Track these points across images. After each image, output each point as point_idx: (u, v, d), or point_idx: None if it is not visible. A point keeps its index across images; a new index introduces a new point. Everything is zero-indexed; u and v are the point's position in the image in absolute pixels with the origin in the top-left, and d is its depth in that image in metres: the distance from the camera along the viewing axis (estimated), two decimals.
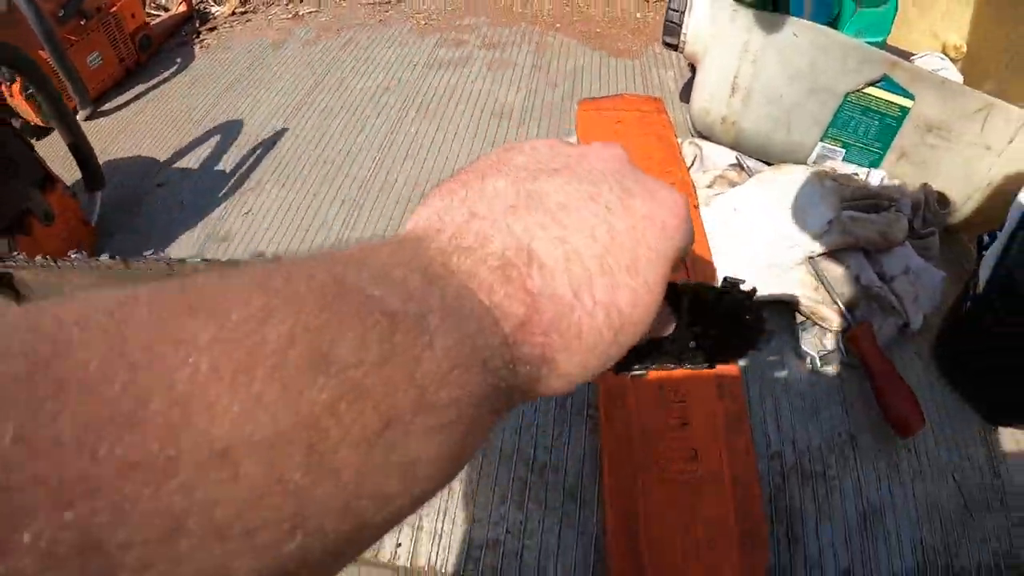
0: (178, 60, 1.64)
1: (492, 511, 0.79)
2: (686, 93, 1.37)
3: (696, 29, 1.13)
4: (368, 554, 0.74)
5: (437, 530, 0.78)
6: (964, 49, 1.28)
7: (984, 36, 1.22)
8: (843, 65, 1.04)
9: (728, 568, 0.72)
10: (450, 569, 0.75)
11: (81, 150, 1.13)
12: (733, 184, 1.13)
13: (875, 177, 1.09)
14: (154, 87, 1.57)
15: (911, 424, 0.83)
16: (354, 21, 1.70)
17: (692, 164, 1.19)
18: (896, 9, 1.12)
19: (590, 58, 1.48)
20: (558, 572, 0.75)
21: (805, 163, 1.15)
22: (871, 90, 1.05)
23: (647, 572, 0.71)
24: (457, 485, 0.80)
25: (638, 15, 1.62)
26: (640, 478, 0.77)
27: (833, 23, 1.09)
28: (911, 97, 1.03)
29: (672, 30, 1.15)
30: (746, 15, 1.07)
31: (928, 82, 1.01)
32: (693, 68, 1.40)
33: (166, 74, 1.60)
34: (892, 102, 1.05)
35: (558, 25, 1.61)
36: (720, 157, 1.17)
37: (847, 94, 1.06)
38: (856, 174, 1.09)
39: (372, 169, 1.25)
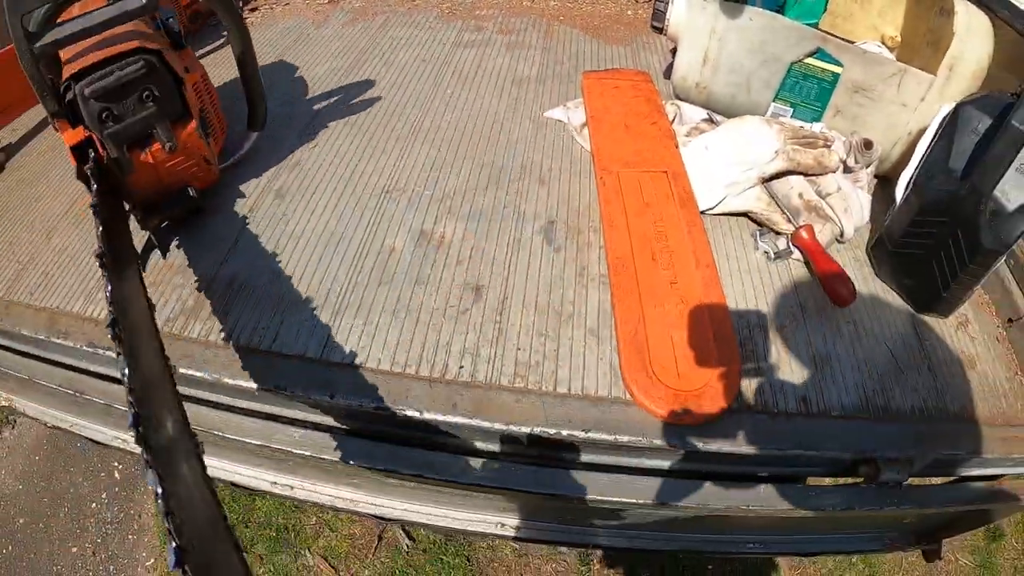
0: (223, 34, 1.81)
1: (532, 342, 1.10)
2: (669, 71, 1.73)
3: (676, 16, 1.50)
4: (436, 374, 1.06)
5: (490, 356, 1.09)
6: (898, 39, 1.61)
7: (912, 27, 1.55)
8: (787, 41, 1.40)
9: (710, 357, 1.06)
10: (503, 383, 1.06)
11: (255, 91, 1.34)
12: (703, 132, 1.49)
13: (815, 128, 1.45)
14: (204, 56, 1.82)
15: (845, 296, 1.15)
16: (385, 7, 2.03)
17: (673, 120, 1.54)
18: (826, 1, 1.50)
19: (590, 44, 1.85)
20: (584, 385, 1.06)
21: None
22: (809, 60, 1.40)
23: (652, 367, 1.04)
24: (505, 326, 1.12)
25: (629, 12, 2.00)
26: (643, 313, 1.11)
27: (779, 10, 1.46)
28: (840, 64, 1.38)
29: (659, 16, 1.52)
30: (713, 5, 1.44)
31: (852, 52, 1.36)
32: (674, 50, 1.77)
33: (214, 46, 1.86)
34: (826, 69, 1.40)
35: (562, 18, 1.98)
36: (695, 114, 1.54)
37: (791, 63, 1.42)
38: (801, 126, 1.45)
39: (419, 117, 1.57)
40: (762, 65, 1.45)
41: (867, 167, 1.39)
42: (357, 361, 1.06)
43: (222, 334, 1.08)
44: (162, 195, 1.21)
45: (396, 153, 1.46)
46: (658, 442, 0.96)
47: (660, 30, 1.55)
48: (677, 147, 1.44)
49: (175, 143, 1.14)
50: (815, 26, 1.48)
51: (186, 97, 1.17)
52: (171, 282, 1.19)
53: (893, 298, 1.22)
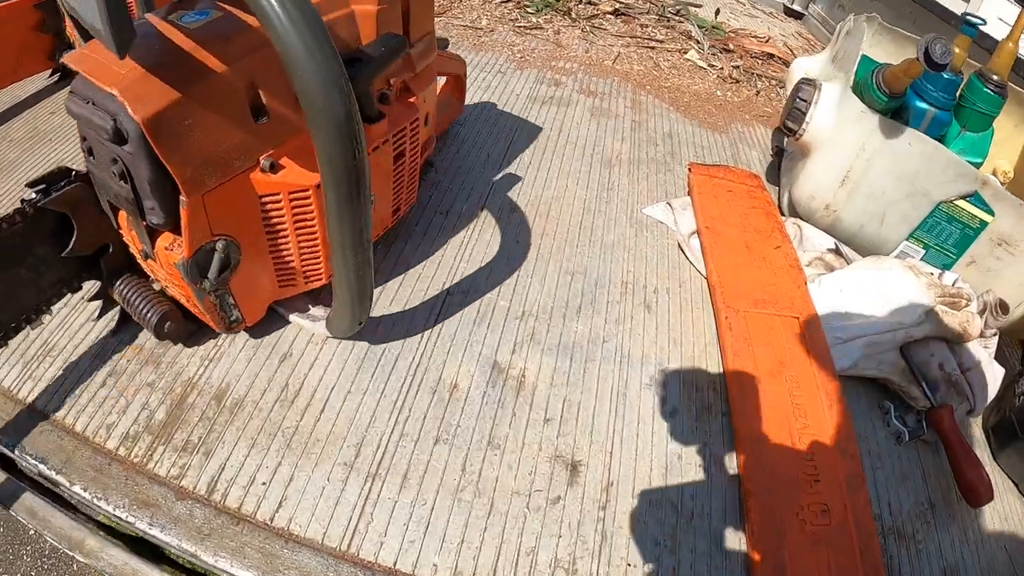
0: None
1: (645, 553, 0.82)
2: (771, 174, 1.47)
3: (821, 121, 1.23)
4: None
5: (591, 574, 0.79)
6: (1011, 175, 1.44)
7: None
8: (943, 176, 1.17)
9: None
10: None
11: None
12: (830, 266, 1.22)
13: (948, 278, 1.21)
14: None
15: (983, 497, 0.95)
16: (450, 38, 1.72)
17: (792, 244, 1.27)
18: (992, 136, 1.27)
19: (683, 125, 1.58)
20: None
21: (882, 256, 1.25)
22: (960, 202, 1.18)
23: None
24: (610, 527, 0.84)
25: (718, 93, 1.74)
26: (783, 525, 0.85)
27: (940, 140, 1.21)
28: (992, 213, 1.17)
29: (797, 117, 1.25)
30: (871, 118, 1.18)
31: (1009, 203, 1.15)
32: (779, 153, 1.51)
33: None
34: (975, 215, 1.19)
35: (648, 87, 1.70)
36: (819, 240, 1.27)
37: (940, 202, 1.19)
38: (932, 273, 1.20)
39: (487, 189, 1.27)
40: (906, 197, 1.21)
41: (996, 333, 1.17)
42: (400, 565, 0.76)
43: (201, 478, 0.80)
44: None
45: (460, 237, 1.13)
46: None
47: (793, 132, 1.27)
48: (806, 284, 1.16)
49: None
50: (979, 167, 1.24)
51: None
52: (138, 376, 0.89)
53: (1012, 489, 1.03)
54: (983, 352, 1.12)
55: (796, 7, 2.64)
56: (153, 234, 0.77)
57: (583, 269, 1.14)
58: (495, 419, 0.90)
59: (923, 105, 1.21)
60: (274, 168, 0.76)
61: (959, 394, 1.07)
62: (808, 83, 1.28)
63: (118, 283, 0.87)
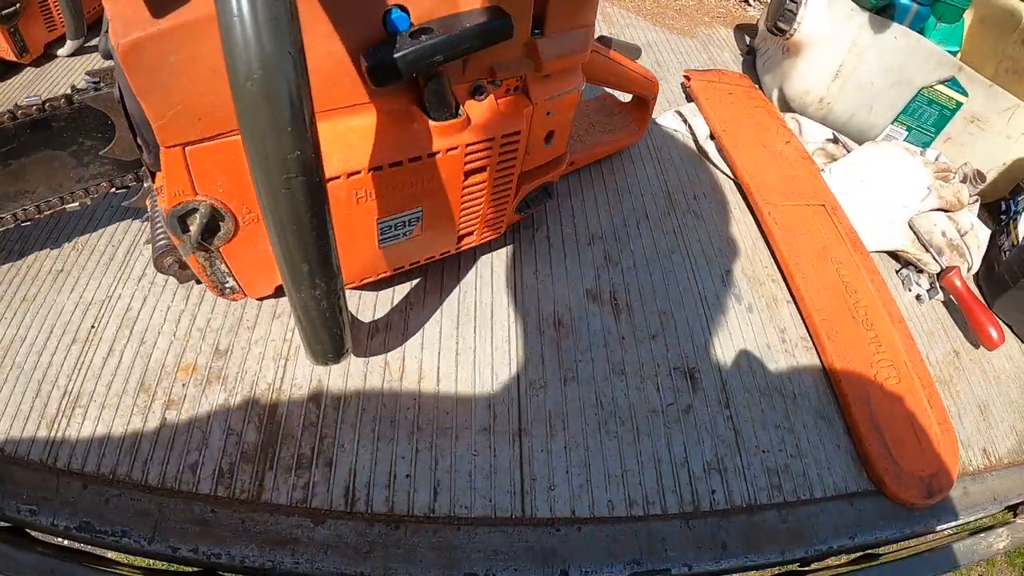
0: None
1: (772, 439, 0.88)
2: (748, 72, 1.52)
3: (812, 21, 1.28)
4: (688, 507, 0.81)
5: (738, 467, 0.86)
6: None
7: (978, 50, 1.48)
8: (926, 65, 1.26)
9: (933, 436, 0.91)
10: (762, 499, 0.83)
11: None
12: (831, 155, 1.30)
13: (931, 154, 1.31)
14: None
15: (996, 340, 1.08)
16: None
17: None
18: (963, 26, 1.37)
19: (656, 34, 1.59)
20: (834, 482, 0.86)
21: (874, 140, 1.34)
22: (939, 87, 1.28)
23: (892, 450, 0.88)
24: (738, 422, 0.89)
25: None
26: (867, 386, 0.94)
27: (921, 32, 1.29)
28: (966, 94, 1.28)
29: (788, 18, 1.30)
30: (861, 16, 1.25)
31: (980, 84, 1.26)
32: (749, 52, 1.56)
33: None
34: (952, 97, 1.29)
35: None
36: (817, 131, 1.34)
37: (921, 88, 1.28)
38: (919, 152, 1.31)
39: None
40: (892, 86, 1.30)
41: (977, 199, 1.31)
42: (579, 511, 0.78)
43: (334, 492, 0.73)
44: None
45: None
46: (917, 529, 0.85)
47: (783, 33, 1.32)
48: (820, 173, 1.23)
49: None
50: (955, 54, 1.34)
51: None
52: (203, 400, 0.83)
53: (1008, 331, 1.16)
54: (972, 217, 1.24)
55: None
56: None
57: (626, 185, 1.15)
58: (607, 346, 0.91)
59: (907, 1, 1.28)
60: None
61: (960, 256, 1.19)
62: None
63: (149, 198, 0.80)
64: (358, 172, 0.66)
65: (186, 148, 0.60)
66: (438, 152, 0.69)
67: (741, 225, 1.13)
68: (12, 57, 1.18)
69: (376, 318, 0.90)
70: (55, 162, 0.82)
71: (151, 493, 0.70)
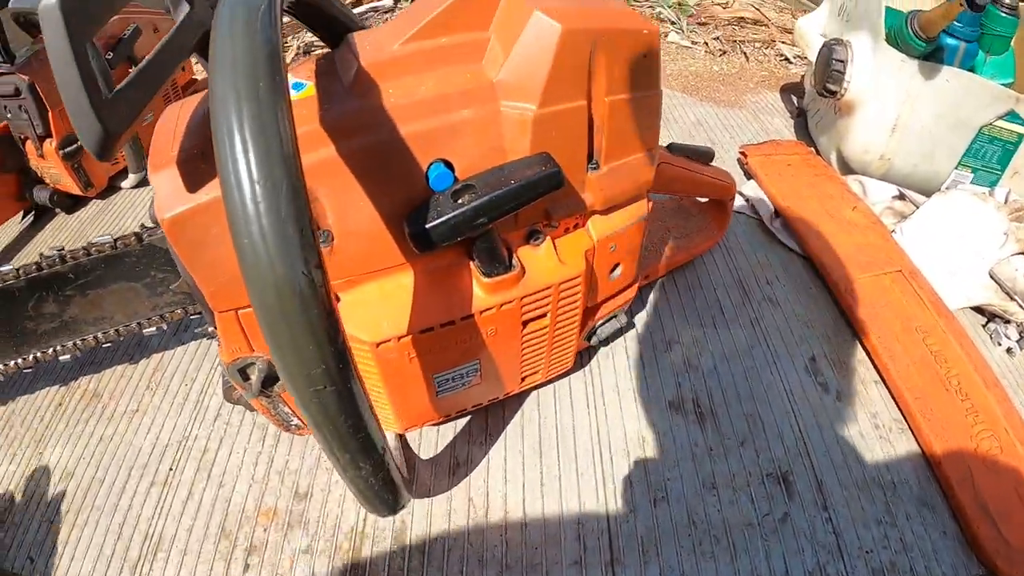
0: None
1: (874, 535, 0.81)
2: (800, 135, 1.48)
3: (861, 78, 1.24)
4: None
5: (840, 572, 0.79)
6: None
7: None
8: (982, 103, 1.20)
9: None
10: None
11: None
12: (899, 214, 1.24)
13: (1000, 194, 1.24)
14: None
15: None
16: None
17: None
18: (1013, 56, 1.31)
19: (703, 109, 1.57)
20: (943, 572, 0.78)
21: (940, 189, 1.29)
22: (999, 122, 1.22)
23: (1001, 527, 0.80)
24: (837, 522, 0.83)
25: (714, 68, 1.74)
26: (968, 462, 0.86)
27: (971, 70, 1.24)
28: None
29: (836, 78, 1.25)
30: (910, 65, 1.20)
31: None
32: (800, 114, 1.52)
33: None
34: (1013, 130, 1.23)
35: None
36: (882, 191, 1.29)
37: (981, 127, 1.22)
38: (987, 192, 1.24)
39: None
40: (951, 130, 1.24)
41: None
42: None
43: None
44: None
45: None
46: None
47: (834, 94, 1.28)
48: (891, 236, 1.17)
49: None
50: (1009, 85, 1.28)
51: None
52: (286, 545, 0.81)
53: None
54: None
55: None
56: None
57: (697, 281, 1.11)
58: (695, 459, 0.86)
59: (954, 41, 1.23)
60: None
61: None
62: (838, 43, 1.28)
63: None
64: (407, 335, 0.64)
65: (239, 312, 0.60)
66: (491, 308, 0.67)
67: (820, 305, 1.07)
68: (78, 191, 1.22)
69: (456, 453, 0.87)
70: (130, 292, 0.87)
71: None
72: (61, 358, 0.89)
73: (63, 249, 0.83)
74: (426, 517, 0.80)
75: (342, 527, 0.80)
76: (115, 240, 0.83)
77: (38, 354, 0.88)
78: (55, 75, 0.46)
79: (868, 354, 1.00)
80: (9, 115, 1.00)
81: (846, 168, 1.34)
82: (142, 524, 0.83)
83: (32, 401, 0.99)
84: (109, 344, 0.90)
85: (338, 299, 0.64)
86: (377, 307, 0.64)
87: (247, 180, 0.32)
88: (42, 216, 1.29)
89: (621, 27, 0.62)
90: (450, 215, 0.57)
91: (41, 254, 0.84)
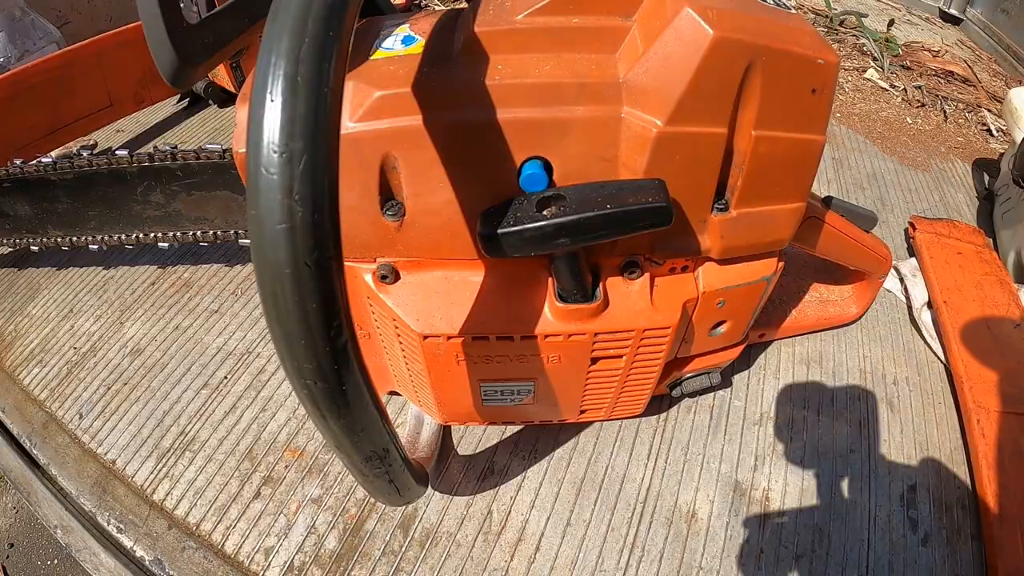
0: None
1: None
2: (980, 220, 1.21)
3: None
4: None
5: None
6: None
7: None
8: None
9: None
10: None
11: None
12: None
13: None
14: None
15: None
16: None
17: None
18: None
19: (884, 163, 1.32)
20: None
21: None
22: None
23: None
24: None
25: (908, 120, 1.47)
26: None
27: None
28: None
29: None
30: None
31: None
32: (987, 196, 1.24)
33: None
34: None
35: (839, 114, 1.45)
36: None
37: None
38: None
39: None
40: None
41: None
42: None
43: None
44: None
45: None
46: None
47: None
48: None
49: None
50: None
51: None
52: (299, 489, 0.75)
53: None
54: None
55: (953, 11, 2.27)
56: None
57: (818, 356, 0.92)
58: (741, 557, 0.71)
59: None
60: (388, 279, 0.54)
61: None
62: None
63: None
64: (459, 337, 0.53)
65: None
66: (559, 335, 0.55)
67: (943, 427, 0.86)
68: (232, 89, 1.20)
69: (494, 459, 0.77)
70: (232, 202, 0.83)
71: (222, 559, 0.68)
72: (160, 244, 0.87)
73: (176, 147, 0.80)
74: (439, 513, 0.72)
75: (356, 492, 0.74)
76: (224, 151, 0.78)
77: (140, 235, 0.86)
78: None
79: (977, 505, 0.78)
80: (183, 2, 0.98)
81: (1022, 275, 1.08)
82: (183, 420, 0.81)
83: (131, 273, 0.99)
84: (207, 243, 0.88)
85: (398, 276, 0.54)
86: (436, 298, 0.54)
87: (266, 146, 0.27)
88: (195, 103, 1.29)
89: (791, 49, 0.46)
90: (527, 225, 0.45)
91: (155, 147, 0.81)
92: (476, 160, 0.48)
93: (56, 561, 1.09)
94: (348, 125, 0.47)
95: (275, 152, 0.27)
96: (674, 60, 0.45)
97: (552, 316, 0.54)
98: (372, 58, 0.50)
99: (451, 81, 0.47)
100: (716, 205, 0.53)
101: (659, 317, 0.55)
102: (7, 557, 1.01)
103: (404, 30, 0.54)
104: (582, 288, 0.52)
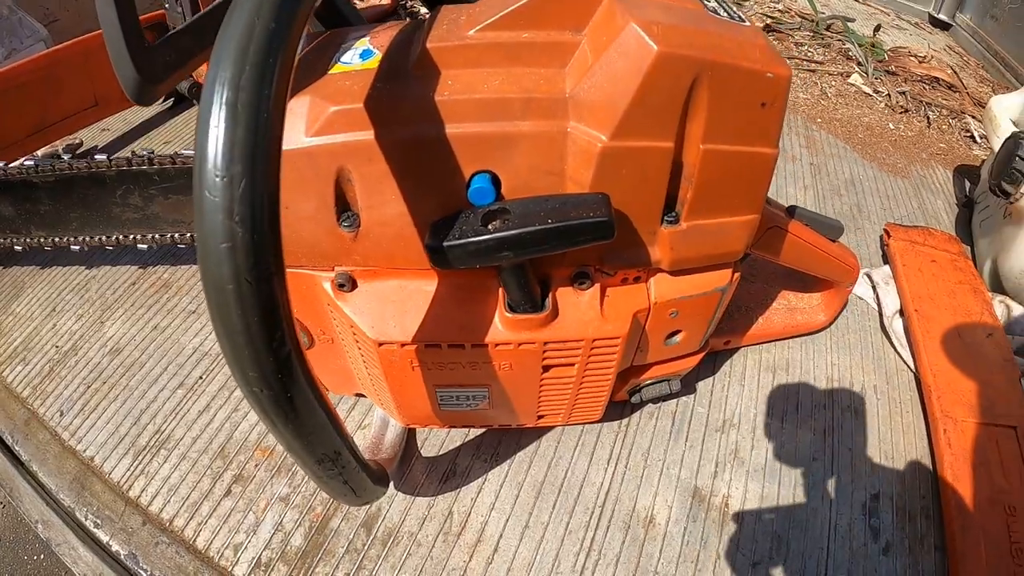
0: None
1: None
2: (959, 228, 1.21)
3: None
4: None
5: None
6: None
7: None
8: None
9: None
10: None
11: None
12: None
13: None
14: None
15: None
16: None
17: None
18: None
19: (864, 169, 1.32)
20: None
21: None
22: None
23: None
24: None
25: (890, 126, 1.47)
26: None
27: None
28: None
29: (1015, 178, 0.99)
30: None
31: None
32: (967, 204, 1.25)
33: None
34: None
35: (819, 120, 1.44)
36: None
37: None
38: None
39: None
40: None
41: None
42: None
43: None
44: None
45: None
46: None
47: (1008, 196, 1.02)
48: (1020, 381, 0.92)
49: None
50: None
51: None
52: (268, 487, 0.76)
53: None
54: None
55: (942, 16, 2.26)
56: None
57: (784, 363, 0.93)
58: (697, 563, 0.71)
59: None
60: (345, 287, 0.55)
61: None
62: None
63: None
64: (412, 344, 0.54)
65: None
66: (509, 344, 0.55)
67: (909, 437, 0.87)
68: None
69: (456, 460, 0.78)
70: None
71: (194, 555, 0.69)
72: (139, 246, 0.88)
73: (153, 152, 0.81)
74: (402, 513, 0.73)
75: (321, 492, 0.74)
76: None
77: (120, 236, 0.87)
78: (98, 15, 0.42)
79: (940, 515, 0.79)
80: (167, 5, 0.99)
81: (997, 284, 1.08)
82: (159, 418, 0.82)
83: (112, 273, 1.00)
84: (184, 245, 0.89)
85: (355, 285, 0.55)
86: (391, 306, 0.55)
87: (209, 169, 0.28)
88: (180, 103, 1.30)
89: (739, 63, 0.46)
90: (471, 239, 0.46)
91: (133, 151, 0.82)
92: (426, 174, 0.49)
93: (42, 556, 1.11)
94: (304, 140, 0.48)
95: (216, 176, 0.28)
96: (619, 75, 0.45)
97: (502, 325, 0.54)
98: (330, 72, 0.51)
99: (403, 96, 0.48)
100: (666, 217, 0.53)
101: (609, 327, 0.56)
102: None
103: (364, 43, 0.54)
104: (530, 299, 0.53)
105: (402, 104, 0.48)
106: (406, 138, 0.47)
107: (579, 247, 0.47)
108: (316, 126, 0.47)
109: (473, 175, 0.49)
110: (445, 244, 0.46)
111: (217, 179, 0.28)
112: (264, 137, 0.29)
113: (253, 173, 0.29)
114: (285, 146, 0.42)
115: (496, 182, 0.49)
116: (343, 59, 0.52)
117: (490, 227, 0.46)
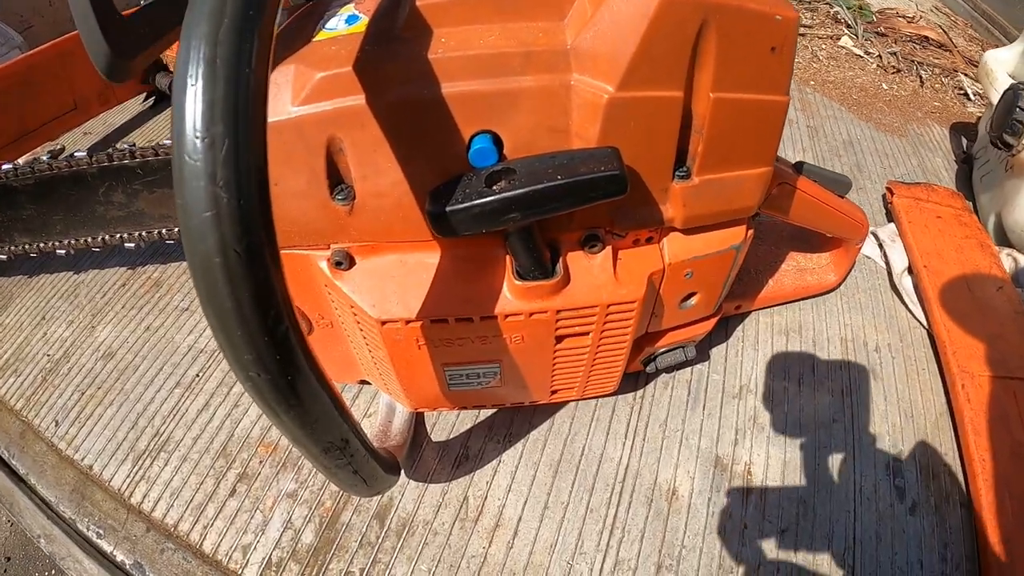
0: None
1: None
2: (959, 184, 1.19)
3: None
4: None
5: None
6: None
7: None
8: None
9: None
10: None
11: None
12: None
13: None
14: None
15: None
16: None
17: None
18: None
19: (860, 129, 1.30)
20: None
21: None
22: None
23: None
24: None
25: (883, 86, 1.44)
26: None
27: None
28: None
29: (1016, 130, 0.97)
30: None
31: None
32: (966, 160, 1.22)
33: None
34: None
35: (812, 82, 1.41)
36: None
37: None
38: None
39: None
40: None
41: None
42: None
43: None
44: None
45: None
46: None
47: (1010, 148, 0.99)
48: None
49: None
50: None
51: None
52: (275, 484, 0.73)
53: None
54: None
55: None
56: None
57: (797, 325, 0.90)
58: (724, 533, 0.69)
59: None
60: (343, 265, 0.52)
61: None
62: None
63: None
64: (417, 321, 0.51)
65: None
66: (519, 314, 0.52)
67: (927, 394, 0.84)
68: None
69: (468, 444, 0.75)
70: None
71: (201, 559, 0.67)
72: (126, 245, 0.85)
73: (134, 145, 0.77)
74: (415, 502, 0.70)
75: (330, 485, 0.71)
76: None
77: (106, 236, 0.84)
78: None
79: (964, 471, 0.77)
80: (142, 2, 0.96)
81: (1003, 237, 1.06)
82: (156, 420, 0.79)
83: (101, 276, 0.96)
84: (173, 241, 0.85)
85: (353, 262, 0.52)
86: (392, 282, 0.52)
87: (188, 132, 0.25)
88: (161, 102, 1.26)
89: (746, 5, 0.44)
90: (476, 201, 0.43)
91: (113, 147, 0.79)
92: (422, 137, 0.46)
93: (53, 572, 1.07)
94: (291, 109, 0.45)
95: (196, 138, 0.25)
96: (623, 23, 0.42)
97: (511, 294, 0.51)
98: (315, 39, 0.48)
99: (394, 58, 0.45)
100: (677, 173, 0.51)
101: (623, 291, 0.53)
102: (4, 571, 0.99)
103: (349, 9, 0.51)
104: (540, 264, 0.50)
105: (393, 66, 0.44)
106: (399, 100, 0.44)
107: (589, 204, 0.44)
108: (303, 94, 0.44)
109: (473, 136, 0.46)
110: (448, 209, 0.44)
111: (197, 141, 0.25)
112: (247, 94, 0.26)
113: (236, 133, 0.26)
114: (271, 118, 0.40)
115: (498, 142, 0.46)
116: (328, 26, 0.49)
117: (495, 188, 0.43)
